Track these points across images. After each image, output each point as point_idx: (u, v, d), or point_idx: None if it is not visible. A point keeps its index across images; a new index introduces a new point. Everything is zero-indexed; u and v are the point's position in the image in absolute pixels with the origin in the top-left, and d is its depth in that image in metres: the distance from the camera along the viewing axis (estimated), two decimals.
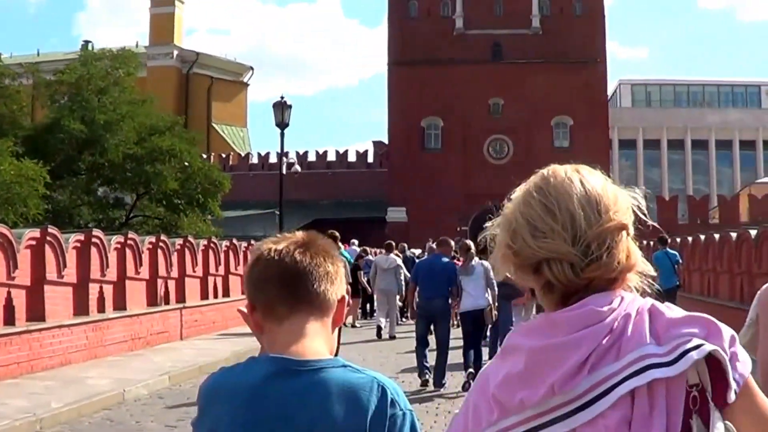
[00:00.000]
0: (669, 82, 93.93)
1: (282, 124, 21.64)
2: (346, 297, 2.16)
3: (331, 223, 63.29)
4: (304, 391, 1.94)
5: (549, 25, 65.00)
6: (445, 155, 65.06)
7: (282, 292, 2.06)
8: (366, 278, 23.76)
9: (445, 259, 13.85)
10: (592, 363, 1.63)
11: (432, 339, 13.97)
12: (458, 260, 14.91)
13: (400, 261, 21.51)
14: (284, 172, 21.55)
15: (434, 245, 16.60)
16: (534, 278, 1.77)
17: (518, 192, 1.89)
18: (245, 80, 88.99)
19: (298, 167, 25.05)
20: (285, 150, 71.39)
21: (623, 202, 1.86)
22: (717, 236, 24.01)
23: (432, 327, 13.95)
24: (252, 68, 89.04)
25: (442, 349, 13.48)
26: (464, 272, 13.55)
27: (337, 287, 2.12)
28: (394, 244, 22.62)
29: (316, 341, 2.05)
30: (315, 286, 2.08)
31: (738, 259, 21.33)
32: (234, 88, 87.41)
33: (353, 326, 23.45)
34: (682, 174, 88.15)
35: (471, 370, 12.89)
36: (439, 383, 13.35)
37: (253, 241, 25.77)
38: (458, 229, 59.94)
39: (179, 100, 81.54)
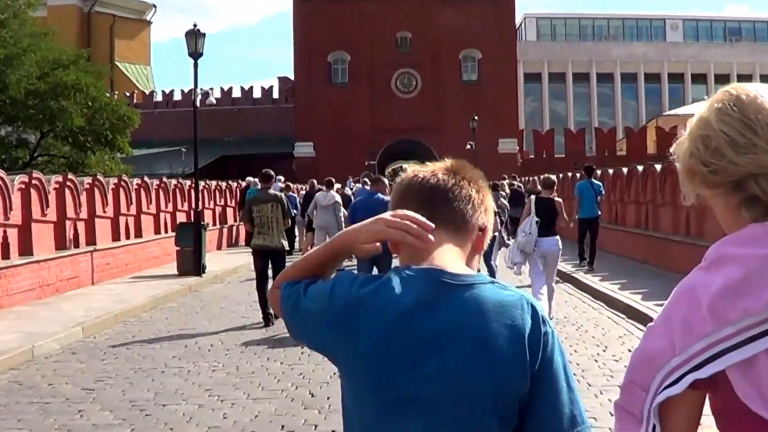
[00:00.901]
0: (574, 15, 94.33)
1: (195, 54, 20.39)
2: (489, 228, 2.11)
3: (237, 160, 63.98)
4: (462, 307, 1.90)
5: None
6: (352, 90, 64.39)
7: (422, 208, 2.02)
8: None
9: (382, 197, 13.34)
10: None
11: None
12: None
13: (338, 198, 20.96)
14: (198, 105, 20.40)
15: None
16: (731, 195, 1.74)
17: (705, 111, 1.79)
18: (148, 18, 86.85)
19: (213, 99, 23.59)
20: (189, 87, 70.47)
21: None
22: (625, 170, 24.28)
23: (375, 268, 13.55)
24: (155, 6, 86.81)
25: None
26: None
27: (479, 214, 2.09)
28: (333, 180, 21.80)
29: (458, 260, 2.01)
30: (455, 205, 2.07)
31: (644, 190, 21.86)
32: (136, 26, 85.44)
33: None
34: (587, 107, 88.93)
35: None
36: None
37: (165, 179, 25.07)
38: (366, 163, 59.75)
39: (81, 40, 79.38)
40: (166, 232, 22.96)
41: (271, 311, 12.42)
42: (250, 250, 14.11)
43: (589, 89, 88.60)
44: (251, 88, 73.93)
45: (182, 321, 13.84)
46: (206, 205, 27.13)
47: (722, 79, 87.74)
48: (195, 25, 20.40)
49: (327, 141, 62.37)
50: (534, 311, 1.92)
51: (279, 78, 73.87)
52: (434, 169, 2.13)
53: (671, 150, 1.87)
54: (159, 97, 73.70)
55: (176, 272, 19.07)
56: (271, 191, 13.73)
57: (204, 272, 18.96)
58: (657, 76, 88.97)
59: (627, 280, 16.91)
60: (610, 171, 25.86)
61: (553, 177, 15.37)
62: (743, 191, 1.72)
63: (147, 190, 22.65)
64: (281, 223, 13.27)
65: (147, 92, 76.27)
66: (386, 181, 14.78)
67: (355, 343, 1.93)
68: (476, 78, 65.39)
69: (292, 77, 68.67)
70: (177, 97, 72.53)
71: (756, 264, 1.63)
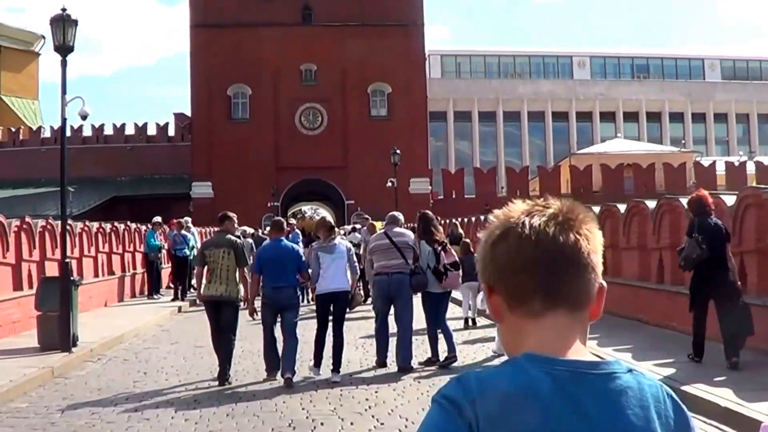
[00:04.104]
0: (479, 52, 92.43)
1: (64, 47, 15.30)
2: (605, 285, 1.72)
3: (130, 201, 59.88)
4: (604, 399, 1.61)
5: None
6: (253, 126, 60.60)
7: (539, 283, 1.66)
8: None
9: (287, 243, 12.73)
10: None
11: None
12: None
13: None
14: (66, 116, 15.68)
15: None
16: None
17: None
18: (36, 50, 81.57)
19: (88, 109, 18.36)
20: (79, 123, 66.38)
21: None
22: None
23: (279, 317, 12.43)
24: (44, 37, 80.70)
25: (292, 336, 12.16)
26: (325, 250, 12.41)
27: (599, 273, 1.71)
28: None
29: (579, 342, 1.69)
30: (580, 276, 1.68)
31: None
32: (24, 58, 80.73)
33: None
34: (494, 146, 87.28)
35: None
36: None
37: (50, 220, 20.29)
38: (269, 204, 56.46)
39: None
40: (30, 287, 17.30)
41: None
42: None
43: (495, 128, 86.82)
44: (145, 124, 69.58)
45: None
46: (86, 252, 22.53)
47: (631, 116, 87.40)
48: (64, 9, 15.36)
49: (227, 180, 58.45)
50: (675, 403, 1.69)
51: (175, 114, 69.79)
52: (545, 221, 1.67)
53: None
54: (47, 133, 68.80)
55: (38, 345, 14.55)
56: (228, 236, 12.54)
57: (75, 345, 14.40)
58: (565, 114, 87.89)
59: (599, 334, 14.09)
60: None
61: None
62: None
63: (2, 233, 17.03)
64: (233, 271, 12.23)
65: (34, 128, 71.28)
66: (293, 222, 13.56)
67: None
68: (386, 113, 62.11)
69: (189, 114, 64.26)
70: (66, 134, 67.55)
71: None
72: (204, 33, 60.43)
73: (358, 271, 13.51)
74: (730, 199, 14.25)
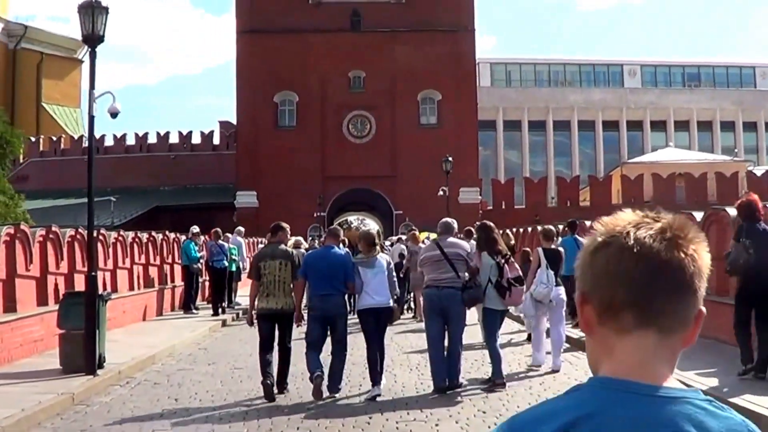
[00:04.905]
0: (529, 61, 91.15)
1: (93, 37, 13.58)
2: (704, 311, 1.63)
3: (173, 211, 58.90)
4: (660, 424, 1.52)
5: None
6: (300, 133, 59.24)
7: (633, 297, 1.59)
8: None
9: (338, 251, 12.17)
10: None
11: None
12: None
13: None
14: (94, 113, 14.06)
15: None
16: None
17: None
18: (79, 56, 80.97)
19: (118, 106, 16.89)
20: (123, 132, 65.62)
21: None
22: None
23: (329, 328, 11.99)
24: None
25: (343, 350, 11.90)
26: (366, 265, 12.00)
27: (700, 298, 1.62)
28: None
29: (665, 367, 1.60)
30: (678, 298, 1.60)
31: None
32: (67, 65, 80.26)
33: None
34: (543, 156, 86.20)
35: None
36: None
37: (80, 230, 18.77)
38: (315, 214, 55.27)
39: (5, 78, 74.41)
40: (56, 302, 15.37)
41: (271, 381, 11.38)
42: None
43: (545, 137, 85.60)
44: (190, 133, 68.78)
45: None
46: (120, 264, 21.17)
47: (682, 125, 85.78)
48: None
49: (272, 190, 57.13)
50: None
51: (220, 122, 69.00)
52: (652, 234, 1.60)
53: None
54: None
55: (60, 366, 13.17)
56: (282, 247, 12.36)
57: (101, 367, 12.99)
58: (615, 123, 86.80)
59: None
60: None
61: (553, 228, 16.17)
62: None
63: (25, 243, 15.44)
64: (289, 284, 12.00)
65: (76, 137, 70.28)
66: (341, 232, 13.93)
67: None
68: (436, 121, 60.60)
69: (234, 122, 63.19)
70: (109, 142, 66.92)
71: None
72: (250, 39, 59.33)
73: (397, 288, 12.84)
74: None
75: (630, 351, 1.58)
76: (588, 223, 22.02)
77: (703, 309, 1.62)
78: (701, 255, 1.61)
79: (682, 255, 1.58)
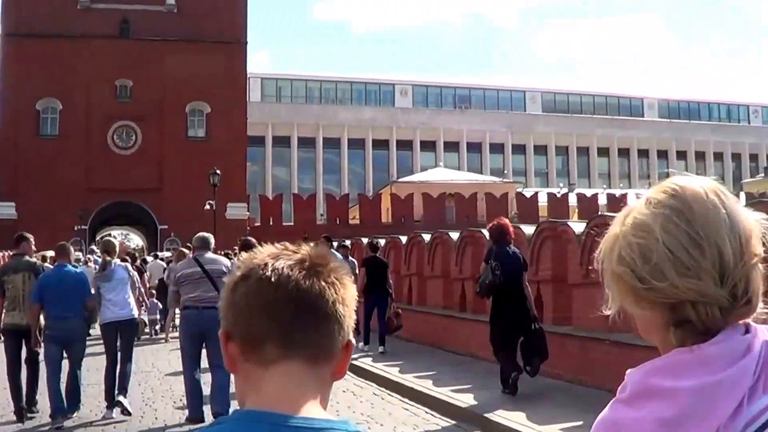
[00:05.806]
0: (300, 77, 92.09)
1: None
2: (353, 342, 1.64)
3: None
4: None
5: (186, 3, 59.95)
6: (63, 143, 58.03)
7: (274, 328, 1.56)
8: None
9: (71, 269, 11.56)
10: (747, 398, 1.46)
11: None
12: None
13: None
14: None
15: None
16: (667, 314, 1.52)
17: (646, 211, 1.54)
18: None
19: None
20: None
21: (755, 228, 1.54)
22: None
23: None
24: None
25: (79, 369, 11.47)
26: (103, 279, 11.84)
27: (347, 328, 1.62)
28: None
29: (313, 398, 1.57)
30: (321, 326, 1.59)
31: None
32: None
33: None
34: (312, 173, 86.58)
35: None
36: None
37: None
38: (75, 227, 53.95)
39: None
40: None
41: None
42: None
43: (315, 154, 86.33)
44: None
45: None
46: None
47: (452, 146, 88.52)
48: None
49: (32, 201, 55.37)
50: None
51: None
52: (289, 265, 1.57)
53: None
54: None
55: None
56: (26, 258, 11.74)
57: None
58: (386, 142, 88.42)
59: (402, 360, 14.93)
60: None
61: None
62: (676, 313, 1.50)
63: None
64: None
65: None
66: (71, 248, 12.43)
67: None
68: (204, 134, 60.80)
69: None
70: None
71: (688, 401, 1.44)
72: (15, 42, 57.77)
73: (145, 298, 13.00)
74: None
75: (275, 382, 1.56)
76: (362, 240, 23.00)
77: (353, 340, 1.64)
78: (344, 284, 1.61)
79: (323, 283, 1.58)
